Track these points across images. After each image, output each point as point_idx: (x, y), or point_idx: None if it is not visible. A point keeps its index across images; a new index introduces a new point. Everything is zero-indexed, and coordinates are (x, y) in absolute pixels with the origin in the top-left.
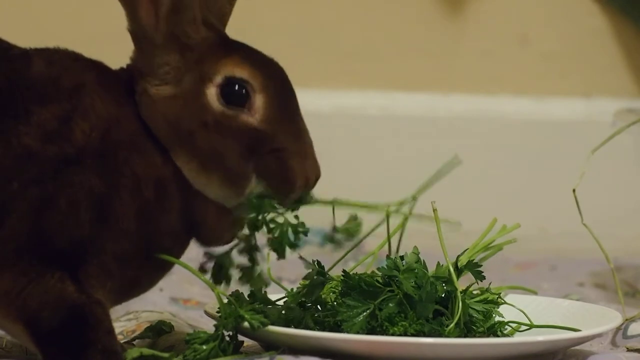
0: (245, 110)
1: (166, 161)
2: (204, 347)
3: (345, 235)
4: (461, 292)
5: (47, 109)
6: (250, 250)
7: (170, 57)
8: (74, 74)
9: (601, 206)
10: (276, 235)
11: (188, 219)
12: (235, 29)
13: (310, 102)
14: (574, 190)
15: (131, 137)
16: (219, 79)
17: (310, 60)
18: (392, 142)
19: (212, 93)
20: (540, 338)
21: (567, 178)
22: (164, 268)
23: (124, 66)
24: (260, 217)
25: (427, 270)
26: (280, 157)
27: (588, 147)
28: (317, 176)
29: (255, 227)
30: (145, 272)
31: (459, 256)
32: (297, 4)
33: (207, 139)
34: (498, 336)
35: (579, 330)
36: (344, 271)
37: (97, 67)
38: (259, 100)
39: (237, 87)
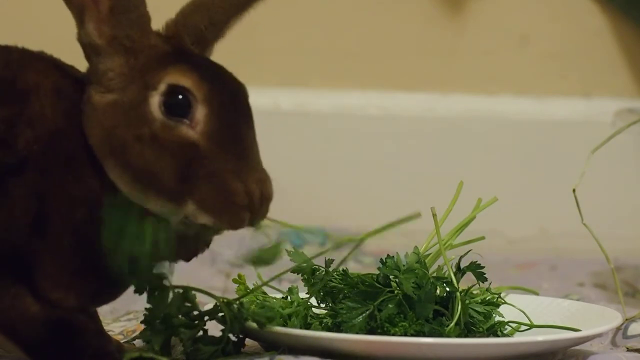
0: (187, 121)
1: (103, 179)
2: (207, 347)
3: (259, 260)
4: (461, 293)
5: None
6: None
7: (114, 62)
8: (29, 76)
9: (601, 206)
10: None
11: None
12: (235, 29)
13: (310, 102)
14: (574, 190)
15: (71, 155)
16: (162, 87)
17: (310, 60)
18: (392, 142)
19: (154, 102)
20: (540, 338)
21: (567, 178)
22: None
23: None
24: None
25: (427, 271)
26: (217, 182)
27: (588, 147)
28: (266, 195)
29: None
30: (98, 286)
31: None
32: (298, 4)
33: (140, 153)
34: (498, 336)
35: (579, 330)
36: (343, 271)
37: (60, 71)
38: (200, 112)
39: (179, 97)
